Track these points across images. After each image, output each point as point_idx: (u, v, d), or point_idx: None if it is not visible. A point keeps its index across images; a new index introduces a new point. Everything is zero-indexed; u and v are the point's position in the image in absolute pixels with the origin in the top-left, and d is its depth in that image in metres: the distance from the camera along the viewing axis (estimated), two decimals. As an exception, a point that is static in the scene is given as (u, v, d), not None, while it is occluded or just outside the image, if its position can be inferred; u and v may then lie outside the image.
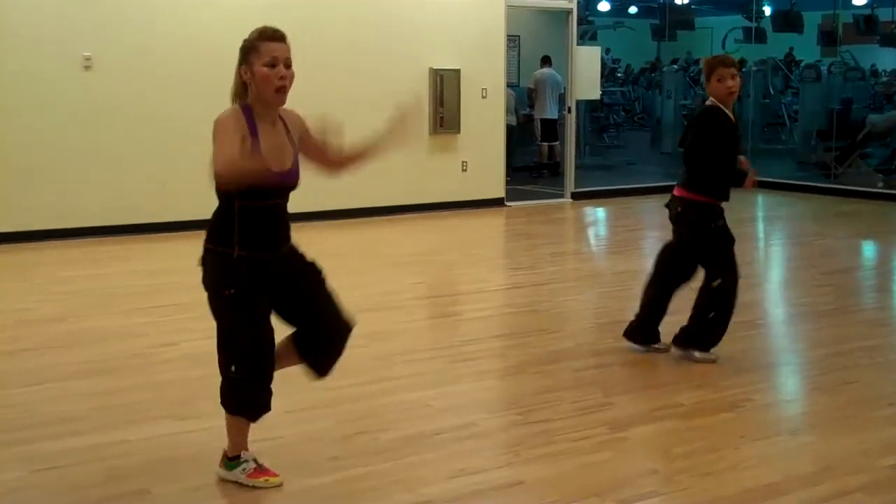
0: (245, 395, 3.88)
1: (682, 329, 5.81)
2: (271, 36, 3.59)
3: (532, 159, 16.26)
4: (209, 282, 3.82)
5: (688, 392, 5.22)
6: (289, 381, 5.40)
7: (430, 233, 10.83)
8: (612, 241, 11.31)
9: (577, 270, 9.11)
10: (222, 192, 3.63)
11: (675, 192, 5.71)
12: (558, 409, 4.94)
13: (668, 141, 18.10)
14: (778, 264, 9.72)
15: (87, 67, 9.95)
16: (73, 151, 9.96)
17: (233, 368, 3.82)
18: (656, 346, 5.94)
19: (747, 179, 5.61)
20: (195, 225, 10.24)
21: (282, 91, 3.57)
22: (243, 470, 3.99)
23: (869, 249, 10.73)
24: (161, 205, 10.40)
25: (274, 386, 5.33)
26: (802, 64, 19.34)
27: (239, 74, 3.65)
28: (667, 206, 5.79)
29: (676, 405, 5.02)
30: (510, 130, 14.72)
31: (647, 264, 9.63)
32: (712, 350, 5.74)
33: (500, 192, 12.69)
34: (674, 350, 5.81)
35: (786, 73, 19.67)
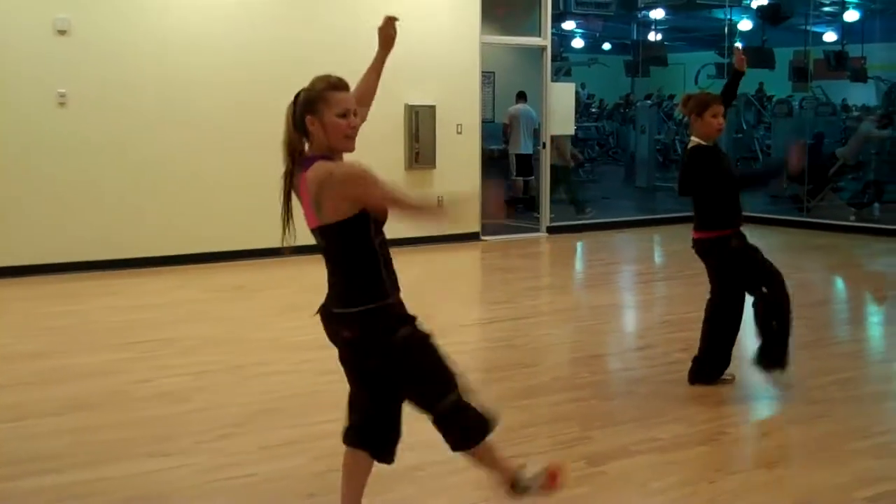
0: (477, 411, 3.63)
1: (762, 352, 5.87)
2: (339, 86, 3.49)
3: (508, 194, 16.30)
4: (380, 340, 3.55)
5: (664, 426, 5.24)
6: (265, 417, 5.41)
7: (406, 267, 10.74)
8: (587, 276, 11.35)
9: (553, 304, 9.14)
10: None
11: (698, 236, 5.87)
12: (535, 443, 4.94)
13: (642, 175, 18.23)
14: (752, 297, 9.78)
15: (61, 104, 9.95)
16: (48, 187, 9.93)
17: (456, 395, 3.59)
18: (724, 378, 6.04)
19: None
20: (171, 260, 10.39)
21: (350, 138, 3.50)
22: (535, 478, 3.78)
23: (842, 282, 10.82)
24: (136, 240, 10.37)
25: (249, 422, 5.35)
26: (774, 99, 19.56)
27: (301, 124, 3.47)
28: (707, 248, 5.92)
29: (653, 439, 5.04)
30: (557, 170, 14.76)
31: (622, 298, 9.76)
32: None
33: (475, 226, 12.73)
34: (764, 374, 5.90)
35: (758, 108, 19.88)
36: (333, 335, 3.62)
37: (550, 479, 3.77)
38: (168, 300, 8.89)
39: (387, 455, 3.85)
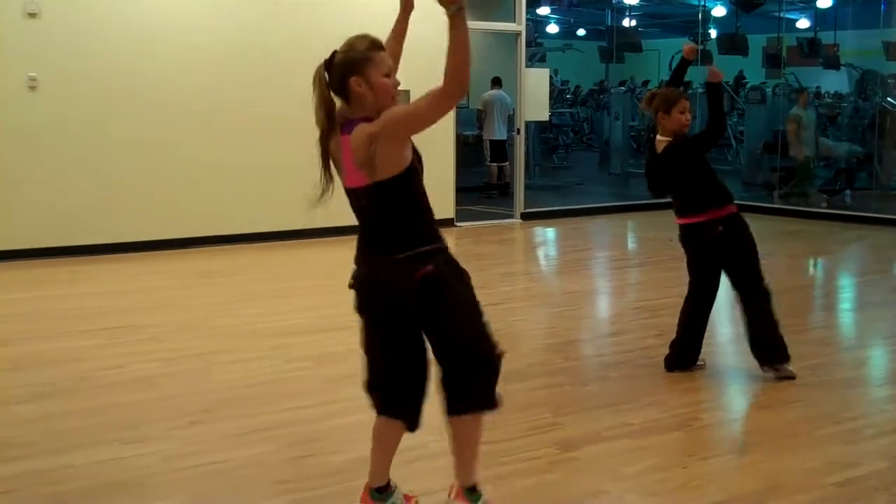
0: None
1: (756, 345, 5.83)
2: (380, 45, 3.51)
3: (482, 180, 16.31)
4: (456, 271, 3.60)
5: (637, 411, 5.24)
6: (235, 404, 5.38)
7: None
8: (561, 262, 11.35)
9: (527, 290, 9.14)
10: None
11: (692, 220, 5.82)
12: (507, 429, 4.92)
13: (616, 162, 18.27)
14: (724, 284, 9.82)
15: (32, 88, 9.84)
16: (17, 172, 9.83)
17: (498, 349, 3.70)
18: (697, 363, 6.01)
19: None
20: (140, 246, 10.32)
21: (395, 98, 3.54)
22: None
23: (813, 269, 10.88)
24: (105, 226, 10.28)
25: (219, 409, 5.31)
26: (748, 86, 19.61)
27: (341, 86, 3.47)
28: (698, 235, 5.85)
29: (626, 424, 5.04)
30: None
31: (596, 284, 9.77)
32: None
33: (449, 212, 12.69)
34: (765, 370, 5.83)
35: (732, 95, 19.93)
36: (387, 288, 3.50)
37: None
38: (137, 286, 8.81)
39: (416, 421, 3.77)
